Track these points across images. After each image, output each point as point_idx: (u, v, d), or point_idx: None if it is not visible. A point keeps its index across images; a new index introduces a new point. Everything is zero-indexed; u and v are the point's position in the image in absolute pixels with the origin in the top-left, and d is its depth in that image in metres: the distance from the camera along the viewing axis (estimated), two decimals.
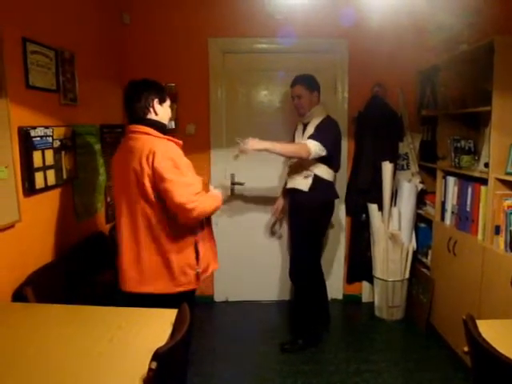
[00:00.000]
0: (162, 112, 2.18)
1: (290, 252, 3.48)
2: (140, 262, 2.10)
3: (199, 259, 2.17)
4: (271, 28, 3.55)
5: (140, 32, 3.60)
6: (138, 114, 2.12)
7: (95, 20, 3.12)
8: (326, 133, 2.96)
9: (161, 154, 1.99)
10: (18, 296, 2.09)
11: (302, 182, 3.04)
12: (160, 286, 2.12)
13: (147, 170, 1.99)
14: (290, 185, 3.15)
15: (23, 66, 2.21)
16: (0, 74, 1.99)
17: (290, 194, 3.21)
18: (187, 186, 2.02)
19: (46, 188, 2.38)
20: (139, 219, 2.07)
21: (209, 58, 3.64)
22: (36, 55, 2.31)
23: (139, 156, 2.01)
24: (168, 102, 2.24)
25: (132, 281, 2.13)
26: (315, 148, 2.86)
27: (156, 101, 2.14)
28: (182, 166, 2.04)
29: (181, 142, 2.20)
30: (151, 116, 2.14)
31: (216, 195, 2.24)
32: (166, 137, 2.13)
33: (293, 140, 3.23)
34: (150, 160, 1.98)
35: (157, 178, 1.99)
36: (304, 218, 3.10)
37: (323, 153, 2.89)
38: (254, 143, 2.76)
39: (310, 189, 3.02)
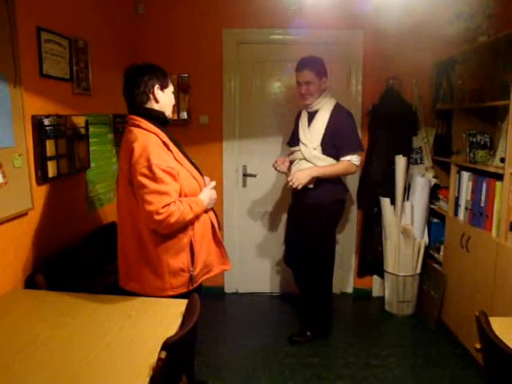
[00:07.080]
0: (164, 99, 2.03)
1: (289, 244, 3.25)
2: (127, 258, 2.04)
3: (194, 261, 2.00)
4: (286, 19, 3.51)
5: (154, 22, 3.59)
6: (136, 102, 1.98)
7: (110, 9, 3.11)
8: (351, 136, 2.89)
9: (139, 152, 1.84)
10: (30, 283, 2.12)
11: None
12: (146, 285, 1.99)
13: (128, 167, 1.88)
14: None
15: (37, 55, 2.21)
16: (14, 63, 2.00)
17: (294, 191, 2.97)
18: (159, 194, 1.83)
19: (59, 177, 2.39)
20: (126, 214, 2.00)
21: (223, 48, 3.62)
22: (50, 44, 2.32)
23: (125, 151, 1.93)
24: (171, 88, 2.08)
25: (122, 276, 2.07)
26: (357, 160, 2.89)
27: (157, 87, 1.98)
28: (157, 170, 1.83)
29: (168, 142, 1.98)
30: (151, 104, 1.99)
31: (199, 201, 2.00)
32: (154, 131, 1.94)
33: (296, 130, 3.03)
34: (129, 157, 1.87)
35: (132, 178, 1.87)
36: (311, 219, 2.91)
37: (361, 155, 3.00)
38: (300, 178, 2.75)
39: (315, 186, 2.84)
